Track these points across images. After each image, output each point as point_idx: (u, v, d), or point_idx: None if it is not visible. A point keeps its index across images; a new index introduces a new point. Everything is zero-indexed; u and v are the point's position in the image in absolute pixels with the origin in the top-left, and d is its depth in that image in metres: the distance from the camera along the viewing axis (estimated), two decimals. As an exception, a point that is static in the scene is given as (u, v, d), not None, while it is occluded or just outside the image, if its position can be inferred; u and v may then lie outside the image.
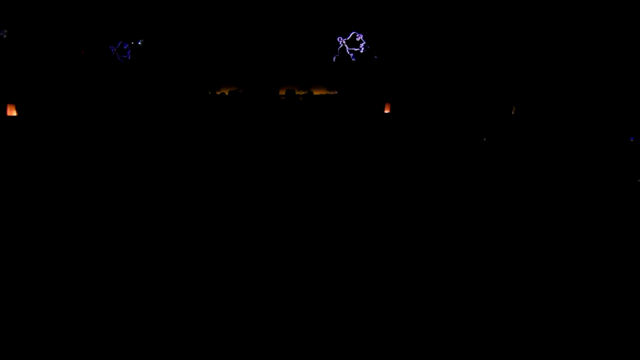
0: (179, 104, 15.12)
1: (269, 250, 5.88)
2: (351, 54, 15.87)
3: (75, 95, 15.20)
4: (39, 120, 13.65)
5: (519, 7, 11.26)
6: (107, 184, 8.93)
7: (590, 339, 4.31)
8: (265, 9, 13.01)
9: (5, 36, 12.75)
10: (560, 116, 11.52)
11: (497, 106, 11.92)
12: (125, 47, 16.54)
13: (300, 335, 4.49)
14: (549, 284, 5.07)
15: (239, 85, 16.60)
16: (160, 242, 6.29)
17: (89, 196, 8.18)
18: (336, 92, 16.20)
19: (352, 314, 4.71)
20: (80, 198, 8.11)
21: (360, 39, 15.80)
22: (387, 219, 6.57)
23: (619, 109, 10.57)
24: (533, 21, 11.47)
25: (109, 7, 13.49)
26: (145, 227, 6.79)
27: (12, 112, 13.54)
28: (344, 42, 15.87)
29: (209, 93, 16.97)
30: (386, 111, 14.73)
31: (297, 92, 16.41)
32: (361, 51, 15.83)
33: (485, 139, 11.20)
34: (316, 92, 16.42)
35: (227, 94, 16.98)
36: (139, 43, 15.38)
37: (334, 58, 15.79)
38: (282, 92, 15.95)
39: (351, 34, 15.78)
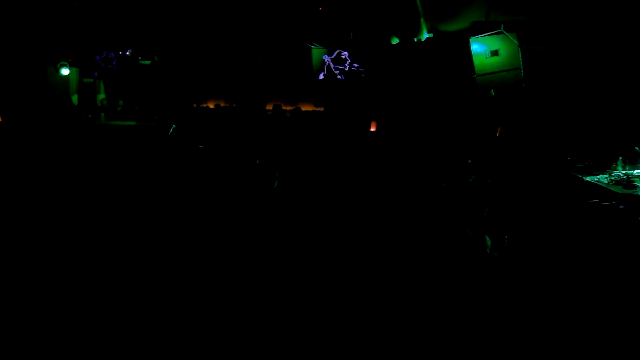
0: (165, 115, 15.07)
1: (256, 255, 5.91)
2: (337, 72, 16.01)
3: (58, 102, 15.07)
4: (22, 126, 13.51)
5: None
6: (97, 189, 8.88)
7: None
8: (254, 24, 13.08)
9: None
10: (546, 137, 11.75)
11: (483, 127, 12.10)
12: (111, 56, 16.47)
13: (296, 335, 4.51)
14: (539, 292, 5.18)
15: (226, 99, 16.61)
16: (154, 247, 6.28)
17: (83, 201, 8.13)
18: (322, 109, 16.30)
19: (340, 316, 4.74)
20: (73, 203, 8.06)
21: (346, 57, 15.95)
22: (369, 231, 6.63)
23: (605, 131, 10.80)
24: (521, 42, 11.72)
25: (96, 16, 13.45)
26: (139, 231, 6.78)
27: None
28: (330, 60, 16.00)
29: (195, 106, 16.94)
30: (372, 129, 14.87)
31: (284, 107, 16.47)
32: (346, 69, 15.97)
33: (470, 161, 11.35)
34: (304, 108, 16.49)
35: (212, 107, 16.98)
36: (127, 53, 15.33)
37: (321, 75, 15.91)
38: (269, 107, 15.99)
39: (336, 52, 15.93)
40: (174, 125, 9.39)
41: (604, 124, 10.74)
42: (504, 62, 11.20)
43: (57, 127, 13.45)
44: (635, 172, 8.10)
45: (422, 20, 8.77)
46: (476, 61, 11.32)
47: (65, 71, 15.26)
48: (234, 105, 16.16)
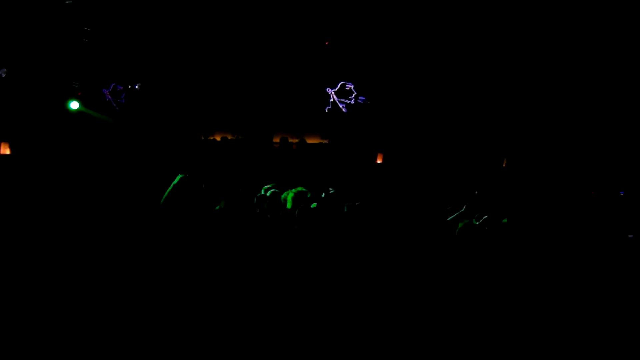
0: (173, 147, 15.19)
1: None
2: (341, 104, 16.17)
3: (69, 136, 15.21)
4: (33, 159, 13.62)
5: (511, 57, 11.64)
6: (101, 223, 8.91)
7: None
8: (260, 57, 13.29)
9: (4, 75, 12.84)
10: (551, 168, 11.78)
11: (489, 158, 12.17)
12: (119, 89, 16.68)
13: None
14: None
15: (233, 132, 16.74)
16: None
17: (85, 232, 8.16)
18: (327, 141, 16.42)
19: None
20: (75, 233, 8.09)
21: (350, 89, 16.13)
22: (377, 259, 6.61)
23: (606, 162, 10.85)
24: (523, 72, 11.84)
25: (105, 50, 13.68)
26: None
27: (5, 150, 13.52)
28: (333, 92, 16.18)
29: (202, 138, 17.08)
30: (378, 161, 14.96)
31: (290, 140, 16.59)
32: (352, 102, 16.14)
33: (477, 192, 11.33)
34: (310, 140, 16.61)
35: (219, 139, 17.12)
36: (136, 87, 15.52)
37: (327, 108, 16.07)
38: (276, 140, 16.11)
39: (340, 84, 16.12)
40: (180, 176, 8.43)
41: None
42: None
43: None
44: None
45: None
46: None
47: (74, 105, 15.44)
48: (241, 137, 16.29)
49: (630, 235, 7.69)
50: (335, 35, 10.94)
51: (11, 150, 13.61)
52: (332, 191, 7.63)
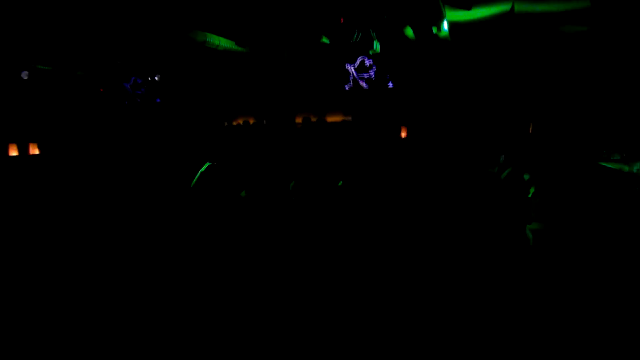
0: (197, 136, 15.28)
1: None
2: (362, 81, 16.06)
3: (94, 132, 15.40)
4: (60, 157, 13.82)
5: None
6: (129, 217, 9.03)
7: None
8: (277, 34, 13.21)
9: (26, 77, 13.01)
10: (578, 129, 11.61)
11: (514, 124, 12.01)
12: (139, 82, 16.79)
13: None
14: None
15: (255, 116, 16.78)
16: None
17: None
18: (350, 118, 16.34)
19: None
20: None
21: (370, 64, 15.99)
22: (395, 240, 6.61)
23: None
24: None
25: (123, 44, 13.72)
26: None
27: (34, 150, 13.74)
28: (353, 68, 16.06)
29: (226, 124, 17.15)
30: (403, 135, 14.86)
31: (312, 119, 16.57)
32: (372, 77, 16.01)
33: (502, 156, 11.11)
34: (331, 119, 16.57)
35: (241, 123, 17.17)
36: (156, 78, 15.61)
37: (347, 86, 15.98)
38: (298, 120, 16.11)
39: (359, 60, 15.99)
40: (207, 164, 8.23)
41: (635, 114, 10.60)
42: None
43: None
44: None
45: (441, 5, 8.54)
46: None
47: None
48: (264, 121, 16.32)
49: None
50: (350, 12, 10.81)
51: (40, 150, 13.83)
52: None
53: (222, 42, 11.63)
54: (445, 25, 9.86)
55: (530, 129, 12.50)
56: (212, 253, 6.46)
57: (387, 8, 9.24)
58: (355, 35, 10.82)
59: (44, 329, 4.80)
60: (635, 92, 10.68)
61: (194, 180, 7.51)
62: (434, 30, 9.75)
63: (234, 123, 17.24)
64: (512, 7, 9.32)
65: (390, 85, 15.82)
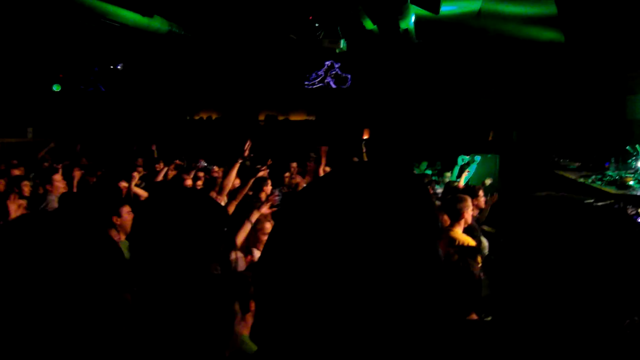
0: (158, 128, 15.04)
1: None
2: (328, 79, 16.06)
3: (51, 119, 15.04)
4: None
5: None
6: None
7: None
8: (244, 33, 13.08)
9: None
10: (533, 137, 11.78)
11: (475, 131, 12.15)
12: (101, 70, 16.45)
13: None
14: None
15: (219, 111, 16.61)
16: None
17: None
18: (314, 118, 16.32)
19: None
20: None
21: (332, 64, 16.00)
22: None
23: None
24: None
25: (86, 32, 13.41)
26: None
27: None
28: (323, 71, 16.05)
29: (188, 118, 16.94)
30: (365, 137, 14.88)
31: (279, 118, 16.51)
32: (334, 78, 16.02)
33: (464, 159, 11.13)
34: (294, 118, 16.52)
35: (204, 118, 16.98)
36: (119, 67, 15.32)
37: (313, 84, 15.96)
38: (261, 117, 16.02)
39: (326, 62, 15.99)
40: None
41: (594, 125, 10.80)
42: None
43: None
44: (628, 172, 8.12)
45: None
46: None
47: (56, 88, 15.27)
48: (227, 116, 16.19)
49: (615, 206, 7.62)
50: (319, 10, 10.76)
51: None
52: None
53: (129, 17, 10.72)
54: (412, 20, 9.82)
55: (490, 136, 12.65)
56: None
57: (354, 5, 9.20)
58: (321, 33, 10.78)
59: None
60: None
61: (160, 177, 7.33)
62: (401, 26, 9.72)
63: (196, 117, 17.05)
64: (480, 9, 9.37)
65: (349, 83, 15.84)
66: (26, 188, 6.01)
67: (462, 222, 4.94)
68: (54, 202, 5.51)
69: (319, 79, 16.07)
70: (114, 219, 4.25)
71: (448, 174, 7.94)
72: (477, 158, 8.39)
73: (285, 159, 9.67)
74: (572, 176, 8.71)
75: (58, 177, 6.04)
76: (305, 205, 0.85)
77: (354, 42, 11.64)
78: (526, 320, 1.06)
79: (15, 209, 4.78)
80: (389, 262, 0.79)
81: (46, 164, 9.15)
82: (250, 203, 4.97)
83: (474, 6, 9.33)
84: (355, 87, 15.84)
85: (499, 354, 1.58)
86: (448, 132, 12.92)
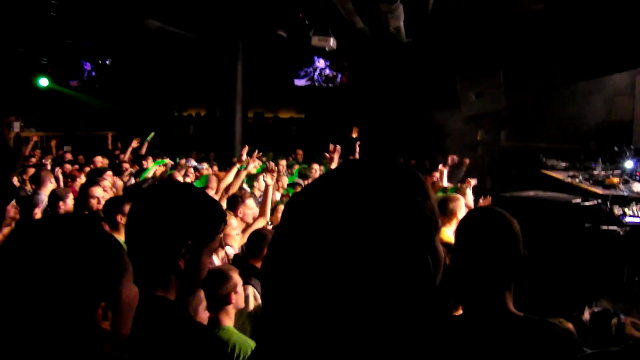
0: (146, 124, 14.96)
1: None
2: (318, 79, 16.04)
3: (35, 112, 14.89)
4: None
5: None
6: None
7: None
8: (234, 29, 13.01)
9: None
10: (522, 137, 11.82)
11: (465, 131, 12.15)
12: (91, 66, 16.35)
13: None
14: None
15: (207, 107, 16.54)
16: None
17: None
18: (304, 116, 16.32)
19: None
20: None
21: (324, 63, 15.98)
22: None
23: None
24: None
25: (76, 27, 13.29)
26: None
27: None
28: (312, 68, 16.02)
29: (176, 114, 16.87)
30: (354, 135, 14.90)
31: (265, 115, 16.48)
32: (324, 76, 16.00)
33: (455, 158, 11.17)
34: (283, 115, 16.51)
35: (194, 115, 16.92)
36: (107, 62, 15.21)
37: (302, 82, 15.93)
38: (250, 115, 15.99)
39: (316, 59, 15.96)
40: (152, 133, 9.36)
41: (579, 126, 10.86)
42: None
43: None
44: (615, 172, 8.16)
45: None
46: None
47: (44, 82, 15.11)
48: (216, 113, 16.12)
49: (602, 206, 7.67)
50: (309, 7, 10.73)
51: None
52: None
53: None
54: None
55: (479, 136, 12.70)
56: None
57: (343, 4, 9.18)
58: (311, 30, 10.76)
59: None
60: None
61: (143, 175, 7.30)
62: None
63: (184, 114, 16.99)
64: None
65: (339, 81, 15.82)
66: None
67: (454, 221, 4.94)
68: (44, 201, 5.32)
69: (308, 77, 16.06)
70: (118, 217, 4.03)
71: (437, 174, 7.95)
72: None
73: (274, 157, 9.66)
74: (559, 176, 8.75)
75: (47, 174, 5.88)
76: (304, 204, 0.86)
77: (344, 40, 11.62)
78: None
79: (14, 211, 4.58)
80: (382, 261, 0.79)
81: (33, 159, 9.09)
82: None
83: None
84: (345, 85, 15.83)
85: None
86: (436, 131, 12.94)
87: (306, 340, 0.81)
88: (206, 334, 1.77)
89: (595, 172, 8.37)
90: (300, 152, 12.16)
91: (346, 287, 0.79)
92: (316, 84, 16.07)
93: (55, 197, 5.07)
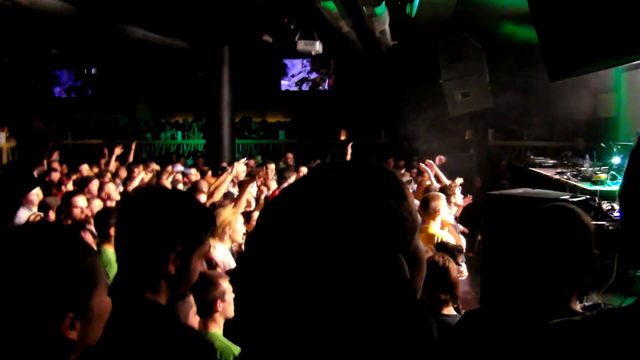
0: (133, 130, 14.92)
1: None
2: (305, 82, 16.05)
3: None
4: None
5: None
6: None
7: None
8: (219, 31, 12.97)
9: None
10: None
11: (452, 131, 12.18)
12: (72, 78, 16.25)
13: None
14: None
15: (194, 113, 16.51)
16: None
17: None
18: (290, 119, 16.31)
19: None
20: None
21: (309, 65, 15.99)
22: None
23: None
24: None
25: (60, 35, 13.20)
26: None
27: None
28: (300, 71, 16.02)
29: (163, 121, 16.82)
30: (342, 138, 14.91)
31: (253, 119, 16.46)
32: (313, 78, 16.01)
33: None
34: (271, 119, 16.50)
35: (181, 121, 16.88)
36: (92, 71, 15.14)
37: (289, 86, 15.93)
38: (237, 119, 15.96)
39: (303, 61, 15.96)
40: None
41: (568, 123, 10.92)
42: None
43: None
44: (603, 168, 8.22)
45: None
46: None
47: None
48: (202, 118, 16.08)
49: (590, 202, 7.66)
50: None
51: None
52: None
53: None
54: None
55: (467, 135, 12.74)
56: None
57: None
58: (296, 35, 10.76)
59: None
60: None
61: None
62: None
63: (172, 120, 16.94)
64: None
65: (327, 87, 15.83)
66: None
67: (438, 218, 5.02)
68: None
69: (294, 81, 16.06)
70: (109, 229, 4.00)
71: (426, 174, 7.95)
72: None
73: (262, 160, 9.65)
74: (547, 173, 8.80)
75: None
76: (278, 209, 0.87)
77: (330, 45, 11.62)
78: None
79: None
80: (352, 263, 0.80)
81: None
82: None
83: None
84: (331, 89, 15.85)
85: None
86: (423, 132, 12.96)
87: (285, 345, 0.81)
88: (196, 337, 1.76)
89: (583, 169, 8.42)
90: (290, 155, 12.14)
91: (319, 290, 0.79)
92: (303, 87, 16.08)
93: (45, 206, 5.04)
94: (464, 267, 4.70)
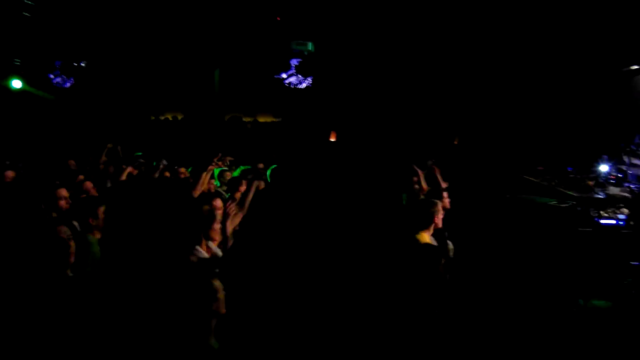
0: (123, 128, 14.79)
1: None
2: (295, 82, 16.01)
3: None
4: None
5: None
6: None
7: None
8: (212, 32, 12.94)
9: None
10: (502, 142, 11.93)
11: (441, 136, 12.24)
12: (62, 67, 16.06)
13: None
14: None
15: (184, 111, 16.41)
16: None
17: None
18: (281, 119, 16.25)
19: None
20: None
21: (297, 67, 15.95)
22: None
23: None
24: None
25: (49, 27, 13.10)
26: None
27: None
28: (288, 73, 15.98)
29: (153, 118, 16.71)
30: (332, 139, 14.89)
31: (244, 119, 16.38)
32: (303, 79, 15.97)
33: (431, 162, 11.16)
34: (262, 119, 16.44)
35: (170, 119, 16.77)
36: (82, 64, 15.01)
37: (281, 84, 15.89)
38: (227, 118, 15.91)
39: (296, 62, 15.93)
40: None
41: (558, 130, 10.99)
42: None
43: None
44: (590, 175, 8.32)
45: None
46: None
47: (17, 83, 14.83)
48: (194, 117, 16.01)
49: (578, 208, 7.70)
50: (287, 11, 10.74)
51: None
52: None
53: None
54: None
55: (456, 140, 12.77)
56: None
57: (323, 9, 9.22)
58: (288, 34, 10.78)
59: None
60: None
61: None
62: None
63: (161, 118, 16.83)
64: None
65: (310, 84, 15.73)
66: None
67: (432, 227, 4.93)
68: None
69: (286, 81, 16.02)
70: (91, 220, 4.19)
71: (416, 178, 7.93)
72: None
73: (252, 161, 9.60)
74: (537, 180, 8.87)
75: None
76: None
77: (321, 44, 11.64)
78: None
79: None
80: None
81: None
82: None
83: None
84: (323, 89, 15.80)
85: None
86: (414, 136, 12.99)
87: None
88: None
89: (571, 176, 8.51)
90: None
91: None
92: (296, 86, 16.04)
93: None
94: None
